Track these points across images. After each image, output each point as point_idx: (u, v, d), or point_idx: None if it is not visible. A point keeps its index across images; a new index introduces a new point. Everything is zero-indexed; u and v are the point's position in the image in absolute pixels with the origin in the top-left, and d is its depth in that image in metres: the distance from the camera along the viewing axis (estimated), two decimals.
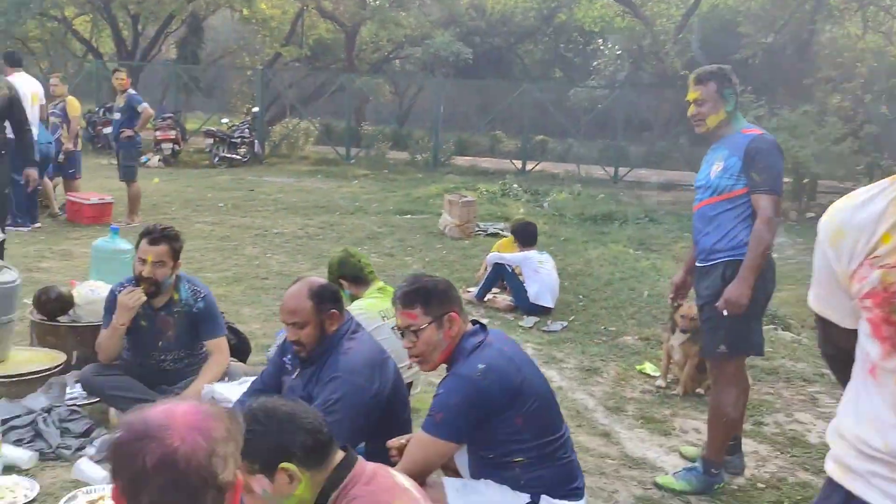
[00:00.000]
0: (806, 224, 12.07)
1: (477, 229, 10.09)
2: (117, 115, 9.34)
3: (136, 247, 3.84)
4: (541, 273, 6.50)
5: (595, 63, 23.59)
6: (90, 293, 4.38)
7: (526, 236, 6.80)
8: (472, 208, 10.06)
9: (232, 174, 14.82)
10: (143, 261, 3.76)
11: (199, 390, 3.74)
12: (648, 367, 5.28)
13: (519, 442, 2.51)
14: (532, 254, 6.62)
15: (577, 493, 2.63)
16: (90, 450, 3.44)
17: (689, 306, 4.58)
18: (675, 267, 8.82)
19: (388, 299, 4.14)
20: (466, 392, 2.47)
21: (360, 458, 2.10)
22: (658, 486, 3.60)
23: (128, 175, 9.21)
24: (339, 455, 2.05)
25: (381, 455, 2.66)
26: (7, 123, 5.93)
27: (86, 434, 3.58)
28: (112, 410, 3.75)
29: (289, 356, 3.15)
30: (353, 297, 4.24)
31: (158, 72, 21.37)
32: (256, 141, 16.64)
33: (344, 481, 1.99)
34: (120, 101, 9.28)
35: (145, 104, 9.25)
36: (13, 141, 6.02)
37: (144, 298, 3.72)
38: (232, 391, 3.65)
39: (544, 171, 17.39)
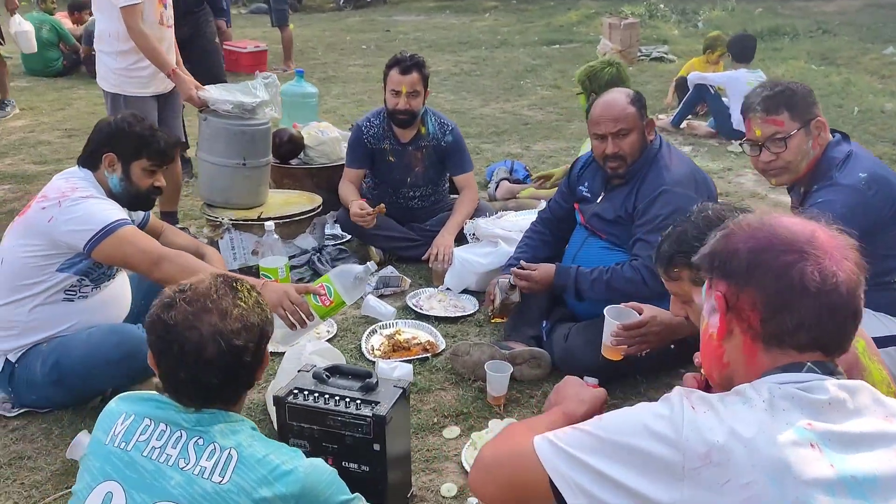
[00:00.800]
0: None
1: (640, 54, 9.42)
2: None
3: (385, 78, 3.65)
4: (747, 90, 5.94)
5: None
6: (319, 134, 4.28)
7: (744, 51, 6.19)
8: (634, 31, 9.35)
9: (361, 15, 14.38)
10: (397, 92, 3.57)
11: (458, 224, 3.65)
12: None
13: None
14: (742, 73, 6.04)
15: None
16: (385, 290, 3.43)
17: None
18: (872, 81, 8.04)
19: None
20: (852, 202, 2.20)
21: None
22: None
23: (281, 19, 8.98)
24: None
25: None
26: None
27: None
28: (373, 249, 3.72)
29: (585, 184, 2.94)
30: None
31: None
32: None
33: None
34: None
35: None
36: None
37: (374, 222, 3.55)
38: (490, 224, 3.54)
39: None
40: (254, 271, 3.50)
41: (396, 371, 2.73)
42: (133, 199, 2.68)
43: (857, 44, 10.06)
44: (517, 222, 3.49)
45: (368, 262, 2.54)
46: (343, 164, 4.31)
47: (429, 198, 3.91)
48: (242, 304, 1.54)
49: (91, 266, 2.58)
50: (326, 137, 4.28)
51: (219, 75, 5.11)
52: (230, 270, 3.03)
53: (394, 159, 3.77)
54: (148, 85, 3.81)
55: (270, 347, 1.63)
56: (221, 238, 3.45)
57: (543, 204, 3.87)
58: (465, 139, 4.00)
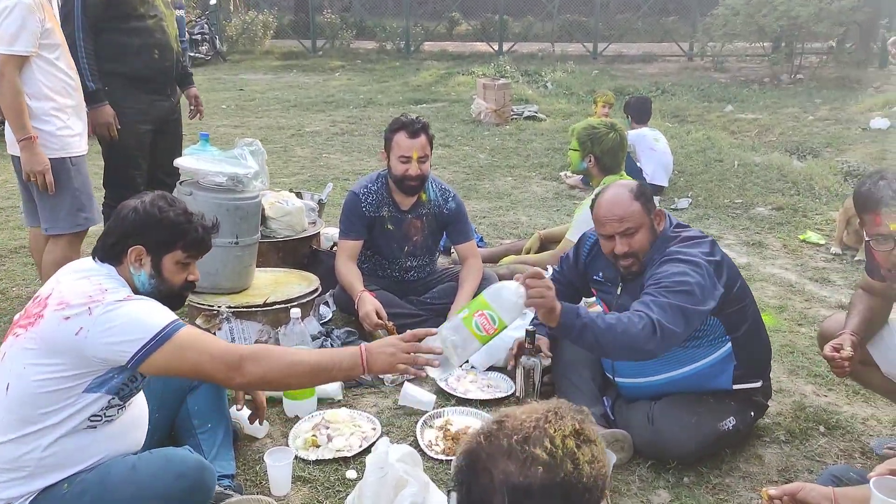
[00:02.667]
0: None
1: (513, 113, 9.68)
2: None
3: (388, 143, 3.38)
4: (657, 151, 6.26)
5: None
6: (283, 204, 3.88)
7: (642, 112, 6.50)
8: (508, 91, 9.60)
9: (204, 74, 13.67)
10: (408, 158, 3.31)
11: (469, 297, 3.41)
12: (812, 236, 5.21)
13: None
14: (646, 131, 6.35)
15: None
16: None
17: None
18: (729, 137, 8.81)
19: None
20: None
21: None
22: None
23: None
24: None
25: None
26: None
27: None
28: (378, 330, 3.37)
29: (599, 273, 2.81)
30: (584, 174, 3.92)
31: None
32: (217, 36, 15.36)
33: None
34: None
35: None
36: None
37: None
38: None
39: (517, 51, 16.83)
40: None
41: None
42: (164, 298, 2.18)
43: (696, 103, 11.03)
44: None
45: (516, 281, 2.21)
46: (308, 236, 3.98)
47: (424, 269, 3.65)
48: (544, 455, 1.18)
49: (126, 380, 2.07)
50: (291, 208, 3.89)
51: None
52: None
53: (392, 227, 3.49)
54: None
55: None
56: (219, 329, 2.97)
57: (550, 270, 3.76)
58: None
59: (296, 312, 2.82)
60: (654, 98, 11.52)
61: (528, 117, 9.66)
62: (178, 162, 3.18)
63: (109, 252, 2.14)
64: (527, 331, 2.83)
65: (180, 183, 3.20)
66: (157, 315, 2.03)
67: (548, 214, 5.79)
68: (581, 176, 6.50)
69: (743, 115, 9.93)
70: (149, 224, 2.13)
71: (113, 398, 2.06)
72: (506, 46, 16.80)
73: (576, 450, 1.19)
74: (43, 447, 2.00)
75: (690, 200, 6.14)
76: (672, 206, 5.99)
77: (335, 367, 2.07)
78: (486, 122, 9.31)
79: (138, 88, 3.73)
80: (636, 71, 14.89)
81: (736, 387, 2.61)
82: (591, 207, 2.69)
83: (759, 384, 2.65)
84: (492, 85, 9.52)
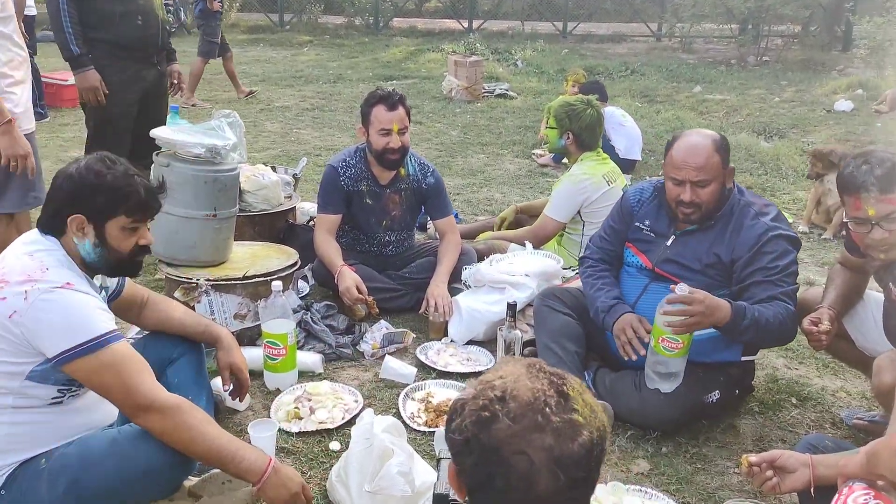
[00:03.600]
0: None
1: (484, 91, 9.65)
2: None
3: (366, 117, 3.35)
4: (626, 126, 6.30)
5: None
6: (259, 178, 3.84)
7: (600, 92, 6.53)
8: (479, 68, 9.57)
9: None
10: (387, 131, 3.29)
11: (448, 272, 3.42)
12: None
13: None
14: (612, 108, 6.39)
15: None
16: (390, 347, 3.10)
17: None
18: (694, 116, 8.90)
19: (607, 163, 3.88)
20: None
21: None
22: None
23: (209, 52, 8.71)
24: None
25: None
26: None
27: (348, 330, 3.22)
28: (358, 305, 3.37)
29: (646, 222, 2.80)
30: (561, 152, 3.93)
31: None
32: (182, 9, 15.02)
33: None
34: None
35: None
36: None
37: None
38: (494, 271, 3.36)
39: (487, 28, 16.73)
40: (235, 337, 3.03)
41: None
42: (114, 267, 2.11)
43: (665, 83, 11.10)
44: (522, 266, 3.34)
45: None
46: (284, 210, 3.94)
47: (403, 243, 3.65)
48: (580, 417, 1.15)
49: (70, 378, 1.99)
50: (267, 181, 3.85)
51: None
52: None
53: (371, 202, 3.47)
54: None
55: None
56: (198, 302, 2.93)
57: (514, 246, 3.78)
58: None
59: (277, 285, 2.80)
60: (624, 78, 11.65)
61: (499, 95, 9.64)
62: (154, 132, 3.12)
63: (50, 223, 2.04)
64: (508, 304, 2.84)
65: (156, 154, 3.14)
66: (93, 317, 1.93)
67: (521, 191, 5.81)
68: (553, 154, 6.56)
69: (711, 95, 10.02)
70: (85, 190, 2.00)
71: (64, 387, 2.00)
72: (475, 24, 16.70)
73: (592, 402, 1.18)
74: (6, 424, 1.96)
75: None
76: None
77: (233, 463, 2.00)
78: (457, 100, 9.27)
79: (123, 57, 3.64)
80: (606, 50, 14.92)
81: (744, 358, 2.67)
82: (667, 149, 2.64)
83: (753, 357, 2.72)
84: (463, 62, 9.48)
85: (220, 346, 2.41)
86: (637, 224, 2.82)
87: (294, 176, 4.51)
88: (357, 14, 17.01)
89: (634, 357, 2.62)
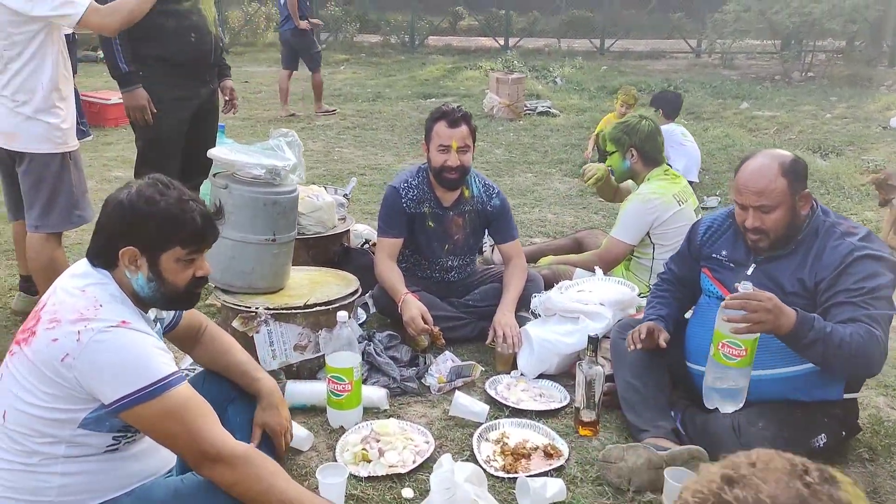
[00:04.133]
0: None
1: (526, 108, 9.48)
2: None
3: (428, 133, 3.19)
4: (686, 146, 6.08)
5: None
6: (313, 199, 3.68)
7: (672, 107, 6.32)
8: (521, 86, 9.41)
9: None
10: (446, 147, 3.12)
11: (515, 300, 3.22)
12: None
13: None
14: (674, 126, 6.17)
15: None
16: (457, 381, 2.91)
17: None
18: (747, 136, 8.64)
19: (678, 182, 3.66)
20: None
21: None
22: None
23: (315, 63, 9.14)
24: None
25: None
26: None
27: (412, 362, 3.03)
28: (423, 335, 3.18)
29: (723, 252, 2.61)
30: (629, 176, 3.72)
31: None
32: (220, 28, 15.06)
33: None
34: None
35: None
36: None
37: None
38: (565, 299, 3.15)
39: (523, 46, 16.60)
40: (294, 370, 2.86)
41: (548, 490, 2.26)
42: (169, 301, 1.95)
43: (710, 100, 10.84)
44: (595, 293, 3.13)
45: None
46: (339, 233, 3.78)
47: (465, 269, 3.46)
48: None
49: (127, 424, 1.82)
50: (322, 203, 3.69)
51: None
52: (269, 371, 2.39)
53: (433, 225, 3.29)
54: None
55: None
56: (257, 332, 2.76)
57: (583, 273, 3.58)
58: None
59: (343, 316, 2.61)
60: None
61: (541, 112, 9.46)
62: (212, 153, 2.97)
63: (101, 254, 1.88)
64: (589, 337, 2.64)
65: (214, 175, 2.99)
66: (153, 360, 1.77)
67: (574, 212, 5.60)
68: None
69: (760, 112, 9.75)
70: (137, 220, 1.83)
71: (120, 434, 1.84)
72: (511, 42, 16.58)
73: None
74: (59, 475, 1.80)
75: (719, 199, 5.97)
76: (701, 205, 5.80)
77: None
78: (498, 117, 9.11)
79: (175, 73, 3.52)
80: (645, 67, 14.70)
81: (846, 396, 2.43)
82: (736, 171, 2.48)
83: (856, 395, 2.48)
84: (505, 79, 9.32)
85: (259, 403, 2.22)
86: (713, 255, 2.64)
87: (345, 196, 4.35)
88: (392, 33, 16.99)
89: (632, 347, 2.56)
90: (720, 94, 11.31)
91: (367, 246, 3.88)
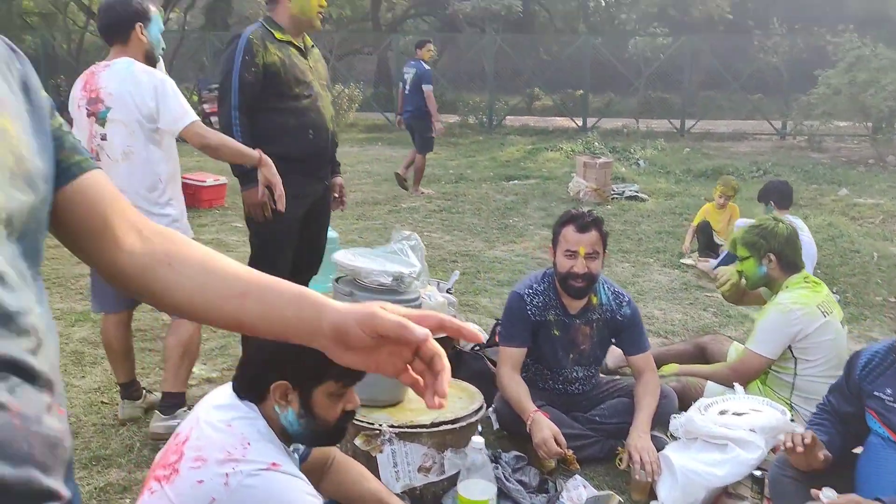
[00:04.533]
0: None
1: (613, 193, 9.29)
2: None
3: (555, 237, 3.02)
4: (803, 241, 5.69)
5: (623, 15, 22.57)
6: (426, 300, 3.52)
7: (783, 197, 6.04)
8: (608, 170, 9.26)
9: None
10: (573, 253, 2.94)
11: (649, 420, 2.96)
12: None
13: None
14: (790, 217, 5.86)
15: None
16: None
17: None
18: (852, 225, 8.22)
19: (820, 290, 3.38)
20: None
21: None
22: None
23: (427, 147, 9.50)
24: None
25: None
26: None
27: (541, 487, 2.78)
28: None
29: (887, 391, 2.30)
30: (764, 283, 3.45)
31: (188, 39, 19.69)
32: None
33: None
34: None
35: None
36: None
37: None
38: (709, 422, 2.86)
39: (601, 126, 16.54)
40: (418, 494, 2.65)
41: None
42: (317, 437, 1.83)
43: (803, 185, 10.45)
44: (743, 419, 2.84)
45: None
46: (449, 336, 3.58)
47: (590, 380, 3.22)
48: None
49: None
50: (434, 303, 3.53)
51: None
52: (393, 493, 2.19)
53: (558, 333, 3.09)
54: None
55: None
56: (381, 452, 2.57)
57: (715, 387, 3.31)
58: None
59: (478, 442, 2.40)
60: (755, 179, 11.04)
61: (629, 197, 9.25)
62: (335, 257, 2.86)
63: (250, 386, 1.77)
64: (753, 476, 2.36)
65: (336, 280, 2.86)
66: (303, 499, 1.66)
67: (682, 308, 5.31)
68: (714, 261, 6.05)
69: (861, 199, 9.32)
70: (291, 353, 1.61)
71: None
72: (589, 122, 16.56)
73: None
74: None
75: (838, 297, 5.57)
76: None
77: None
78: (585, 201, 8.93)
79: (293, 170, 3.47)
80: (728, 149, 14.40)
81: None
82: None
83: None
84: (593, 163, 9.19)
85: None
86: (875, 393, 2.35)
87: (448, 292, 4.19)
88: (471, 113, 17.19)
89: (790, 445, 2.32)
90: (813, 178, 10.92)
91: (478, 349, 3.68)
